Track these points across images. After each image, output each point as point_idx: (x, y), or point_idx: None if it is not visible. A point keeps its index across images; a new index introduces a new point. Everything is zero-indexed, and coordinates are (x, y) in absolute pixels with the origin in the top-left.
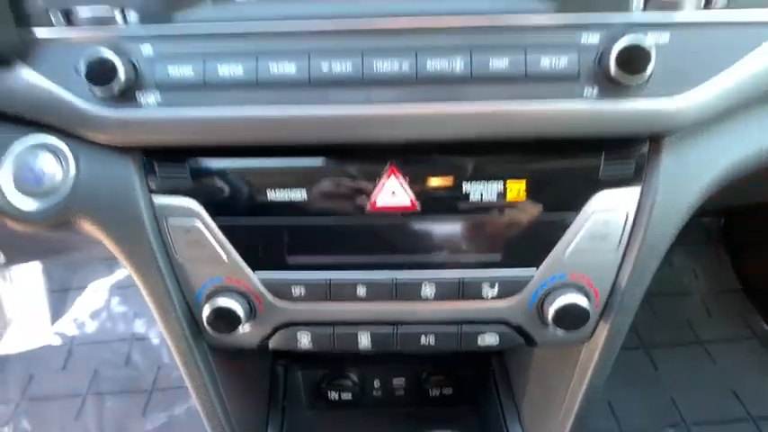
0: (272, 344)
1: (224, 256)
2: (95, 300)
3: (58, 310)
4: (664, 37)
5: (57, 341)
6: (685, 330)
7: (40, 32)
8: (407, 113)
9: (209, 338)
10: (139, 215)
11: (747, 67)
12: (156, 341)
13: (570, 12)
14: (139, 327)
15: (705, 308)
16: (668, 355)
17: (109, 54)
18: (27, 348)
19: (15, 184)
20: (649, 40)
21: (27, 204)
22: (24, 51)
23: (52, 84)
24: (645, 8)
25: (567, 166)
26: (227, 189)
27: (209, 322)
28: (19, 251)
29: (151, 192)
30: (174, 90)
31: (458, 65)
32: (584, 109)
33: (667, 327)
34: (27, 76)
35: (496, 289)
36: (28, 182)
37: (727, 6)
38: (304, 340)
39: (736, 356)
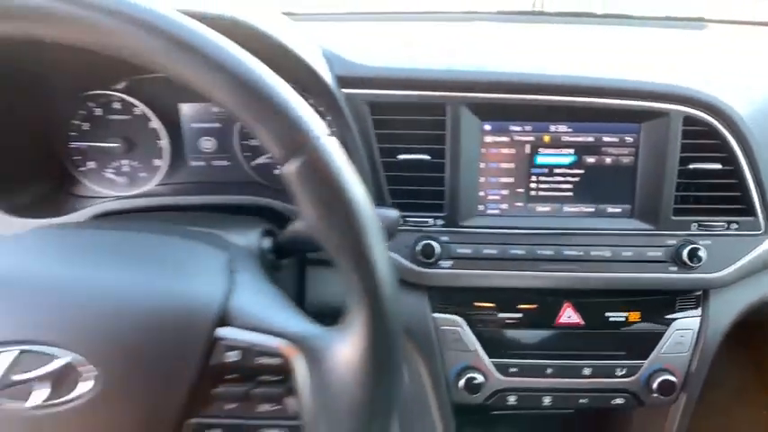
0: (491, 402)
1: (471, 349)
2: None
3: None
4: (708, 241)
5: None
6: None
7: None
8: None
9: (459, 397)
10: (428, 324)
11: (756, 255)
12: None
13: (659, 230)
14: None
15: None
16: None
17: (432, 243)
18: None
19: None
20: (701, 244)
21: None
22: None
23: (394, 253)
24: (699, 228)
25: (661, 304)
26: (480, 313)
27: (464, 387)
28: None
29: (433, 311)
30: (459, 260)
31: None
32: (670, 278)
33: None
34: None
35: (624, 371)
36: None
37: (739, 229)
38: (511, 399)
39: None
